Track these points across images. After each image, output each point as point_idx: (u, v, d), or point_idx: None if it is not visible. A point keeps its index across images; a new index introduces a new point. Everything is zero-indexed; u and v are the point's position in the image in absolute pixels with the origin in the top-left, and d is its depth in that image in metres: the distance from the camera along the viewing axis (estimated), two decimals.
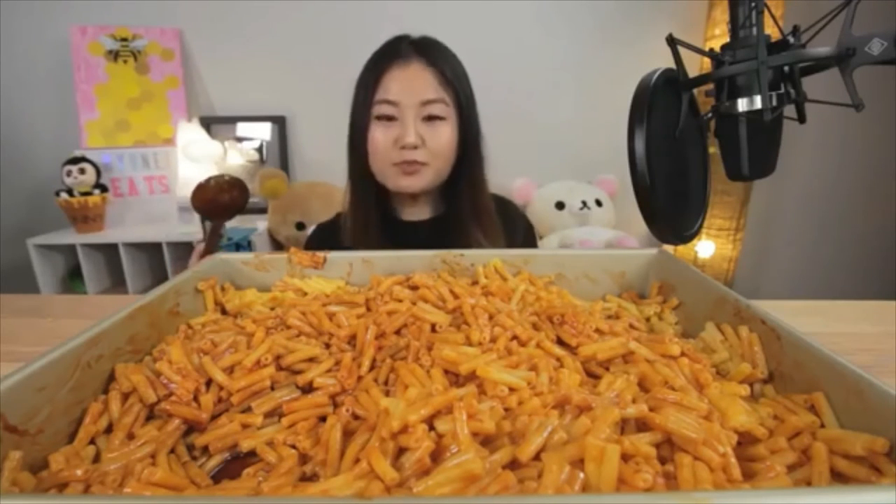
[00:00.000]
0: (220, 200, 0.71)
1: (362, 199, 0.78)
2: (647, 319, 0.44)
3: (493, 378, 0.28)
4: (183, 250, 1.47)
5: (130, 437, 0.28)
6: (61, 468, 0.24)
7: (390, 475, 0.21)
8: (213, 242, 0.72)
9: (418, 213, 0.82)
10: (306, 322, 0.39)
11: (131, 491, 0.22)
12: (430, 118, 0.73)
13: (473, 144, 0.78)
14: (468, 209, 0.77)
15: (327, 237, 0.83)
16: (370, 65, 0.75)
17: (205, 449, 0.28)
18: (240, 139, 1.74)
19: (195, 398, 0.30)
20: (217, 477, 0.27)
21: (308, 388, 0.32)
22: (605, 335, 0.37)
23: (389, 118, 0.73)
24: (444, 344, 0.33)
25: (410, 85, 0.72)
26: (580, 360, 0.34)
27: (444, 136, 0.74)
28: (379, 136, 0.74)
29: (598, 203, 1.65)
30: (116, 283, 1.58)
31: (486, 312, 0.39)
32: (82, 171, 1.44)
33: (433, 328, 0.38)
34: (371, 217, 0.77)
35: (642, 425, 0.25)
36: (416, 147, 0.72)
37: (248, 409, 0.31)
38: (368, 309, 0.42)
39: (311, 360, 0.34)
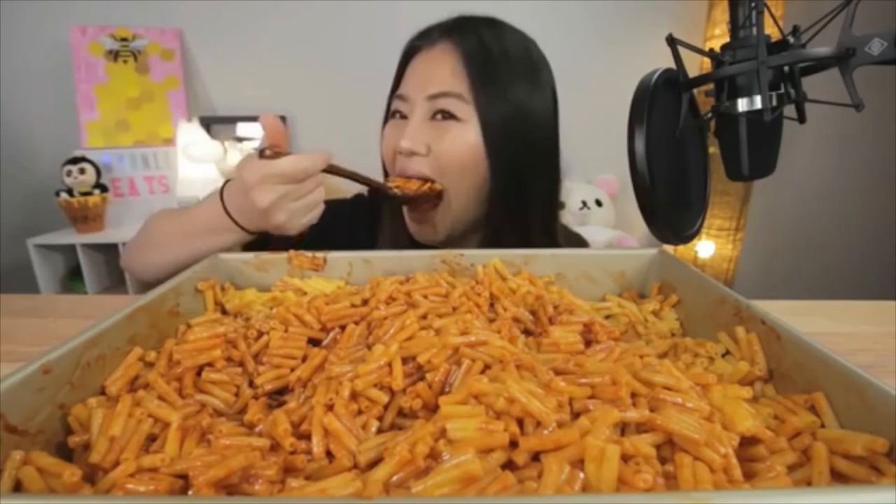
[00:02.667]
0: None
1: (396, 218, 0.63)
2: (646, 319, 0.44)
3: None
4: None
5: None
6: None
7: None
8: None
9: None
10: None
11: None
12: (445, 117, 0.55)
13: (507, 161, 0.56)
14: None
15: (337, 219, 0.64)
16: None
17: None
18: (240, 139, 1.74)
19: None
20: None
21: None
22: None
23: (402, 115, 0.59)
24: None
25: (423, 73, 0.57)
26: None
27: (459, 142, 0.54)
28: (385, 138, 0.60)
29: (598, 203, 1.66)
30: (116, 283, 1.59)
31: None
32: (82, 171, 1.44)
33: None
34: (400, 237, 0.63)
35: (642, 425, 0.25)
36: (413, 154, 0.56)
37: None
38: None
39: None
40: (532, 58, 0.59)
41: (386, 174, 0.64)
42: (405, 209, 0.60)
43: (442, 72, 0.55)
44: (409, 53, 0.60)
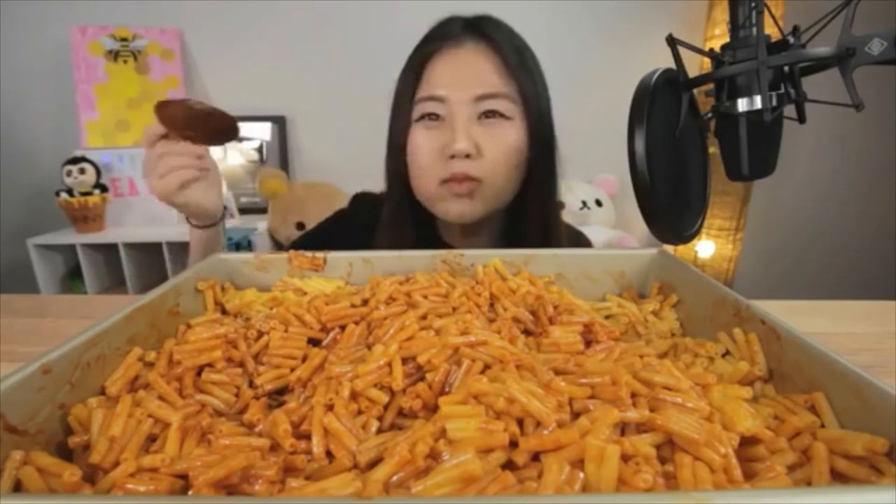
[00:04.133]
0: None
1: (399, 222, 0.63)
2: (646, 319, 0.44)
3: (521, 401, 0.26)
4: (183, 250, 1.48)
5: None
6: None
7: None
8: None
9: (472, 244, 0.64)
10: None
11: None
12: (490, 116, 0.57)
13: (545, 155, 0.60)
14: (537, 244, 0.59)
15: (371, 210, 0.67)
16: (413, 53, 0.60)
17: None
18: (240, 139, 1.74)
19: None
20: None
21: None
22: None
23: (434, 117, 0.58)
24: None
25: (462, 74, 0.56)
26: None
27: (508, 141, 0.57)
28: (421, 140, 0.58)
29: (598, 203, 1.66)
30: (116, 283, 1.58)
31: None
32: (82, 171, 1.44)
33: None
34: (409, 243, 0.62)
35: (642, 425, 0.25)
36: (468, 156, 0.56)
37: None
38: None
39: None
40: (532, 53, 0.62)
41: (406, 182, 0.62)
42: (442, 189, 0.59)
43: (482, 72, 0.56)
44: (427, 55, 0.59)
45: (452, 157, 0.56)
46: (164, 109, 0.55)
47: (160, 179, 0.55)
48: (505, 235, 0.66)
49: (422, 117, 0.59)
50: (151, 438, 0.27)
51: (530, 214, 0.62)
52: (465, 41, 0.58)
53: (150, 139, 0.56)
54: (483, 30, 0.58)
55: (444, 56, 0.58)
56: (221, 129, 0.57)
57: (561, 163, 0.64)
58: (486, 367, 0.30)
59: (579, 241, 0.74)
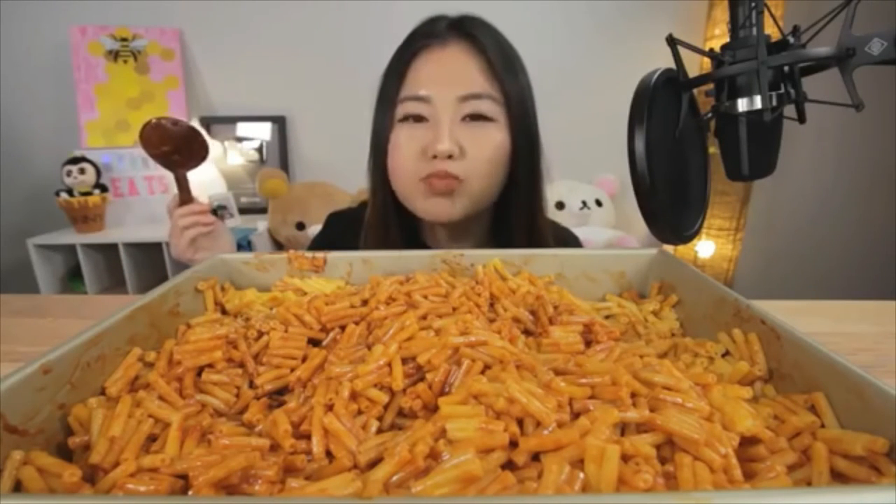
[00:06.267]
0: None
1: (383, 225, 0.62)
2: (646, 319, 0.44)
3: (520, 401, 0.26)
4: None
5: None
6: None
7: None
8: (185, 191, 0.66)
9: (458, 248, 0.63)
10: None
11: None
12: (474, 118, 0.56)
13: (530, 158, 0.60)
14: (523, 245, 0.60)
15: (346, 228, 0.68)
16: (397, 52, 0.59)
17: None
18: (240, 139, 1.74)
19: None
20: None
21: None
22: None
23: (419, 118, 0.57)
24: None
25: (446, 74, 0.56)
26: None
27: (491, 143, 0.56)
28: (403, 141, 0.57)
29: (598, 203, 1.65)
30: (116, 283, 1.58)
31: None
32: (82, 171, 1.44)
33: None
34: (394, 247, 0.61)
35: (642, 425, 0.25)
36: (450, 156, 0.55)
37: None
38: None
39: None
40: (518, 55, 0.61)
41: (386, 182, 0.61)
42: (422, 186, 0.57)
43: (467, 72, 0.56)
44: (411, 54, 0.58)
45: (434, 157, 0.55)
46: (140, 134, 0.61)
47: (175, 241, 0.64)
48: (490, 241, 0.66)
49: (405, 118, 0.58)
50: (151, 438, 0.27)
51: (515, 219, 0.61)
52: (450, 41, 0.57)
53: (169, 212, 0.65)
54: (468, 30, 0.57)
55: (428, 55, 0.57)
56: (194, 142, 0.63)
57: (547, 167, 0.63)
58: (486, 367, 0.30)
59: (567, 242, 0.72)
